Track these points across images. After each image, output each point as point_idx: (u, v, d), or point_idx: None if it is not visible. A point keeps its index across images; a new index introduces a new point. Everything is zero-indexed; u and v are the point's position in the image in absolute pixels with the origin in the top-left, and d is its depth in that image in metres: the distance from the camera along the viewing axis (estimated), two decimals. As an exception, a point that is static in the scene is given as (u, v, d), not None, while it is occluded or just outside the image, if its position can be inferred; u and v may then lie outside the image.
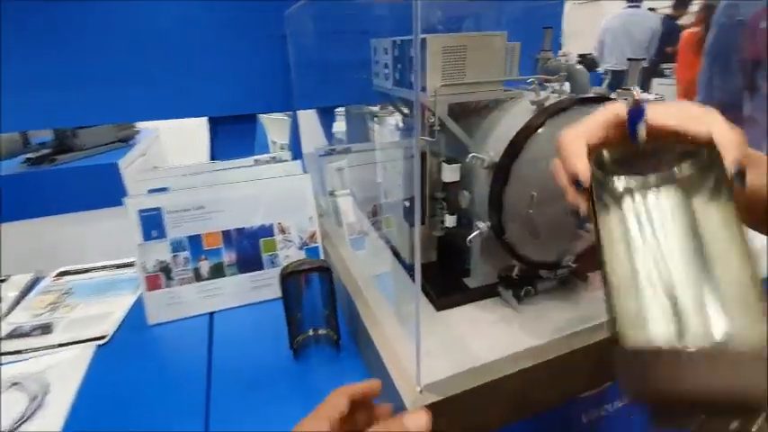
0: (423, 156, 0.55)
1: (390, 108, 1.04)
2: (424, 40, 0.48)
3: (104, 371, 0.61)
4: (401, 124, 0.69)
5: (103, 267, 0.89)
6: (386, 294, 0.63)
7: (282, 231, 0.74)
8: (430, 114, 0.52)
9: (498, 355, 0.49)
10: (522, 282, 0.57)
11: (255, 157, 0.90)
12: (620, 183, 0.30)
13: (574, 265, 0.55)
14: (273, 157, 0.90)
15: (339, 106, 0.99)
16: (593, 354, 0.52)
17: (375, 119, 1.01)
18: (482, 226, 0.51)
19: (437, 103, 0.50)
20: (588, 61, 3.32)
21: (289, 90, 0.92)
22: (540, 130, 0.45)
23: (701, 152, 0.28)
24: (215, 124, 0.97)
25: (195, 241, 0.71)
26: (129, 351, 0.65)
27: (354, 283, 0.65)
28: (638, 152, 0.31)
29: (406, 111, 0.69)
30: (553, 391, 0.53)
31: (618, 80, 3.10)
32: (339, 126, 1.14)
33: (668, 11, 3.22)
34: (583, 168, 0.31)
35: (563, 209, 0.49)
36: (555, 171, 0.34)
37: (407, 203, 0.58)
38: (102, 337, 0.67)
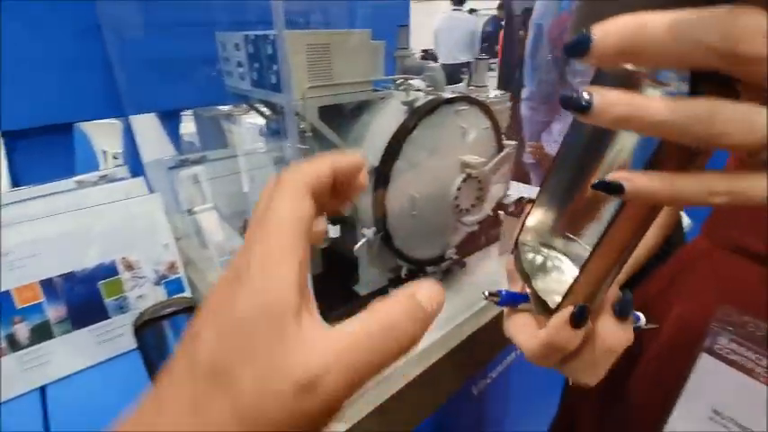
0: (296, 164, 0.50)
1: (245, 107, 0.94)
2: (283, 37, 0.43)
3: None
4: (264, 128, 0.62)
5: None
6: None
7: (129, 267, 0.61)
8: (299, 119, 0.47)
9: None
10: (409, 279, 0.58)
11: (78, 177, 0.72)
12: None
13: (456, 257, 0.57)
14: (104, 176, 0.73)
15: (185, 109, 0.86)
16: (483, 334, 0.55)
17: (228, 121, 0.90)
18: (368, 233, 0.49)
19: (307, 107, 0.45)
20: (430, 56, 3.66)
21: (113, 91, 0.75)
22: (414, 131, 0.44)
23: None
24: (12, 140, 0.74)
25: (2, 300, 0.53)
26: None
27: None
28: None
29: (269, 113, 0.62)
30: (453, 378, 0.55)
31: (448, 72, 3.57)
32: (187, 129, 0.99)
33: (496, 12, 3.72)
34: None
35: (443, 206, 0.50)
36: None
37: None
38: None
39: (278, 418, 0.14)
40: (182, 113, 0.93)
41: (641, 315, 0.32)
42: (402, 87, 0.46)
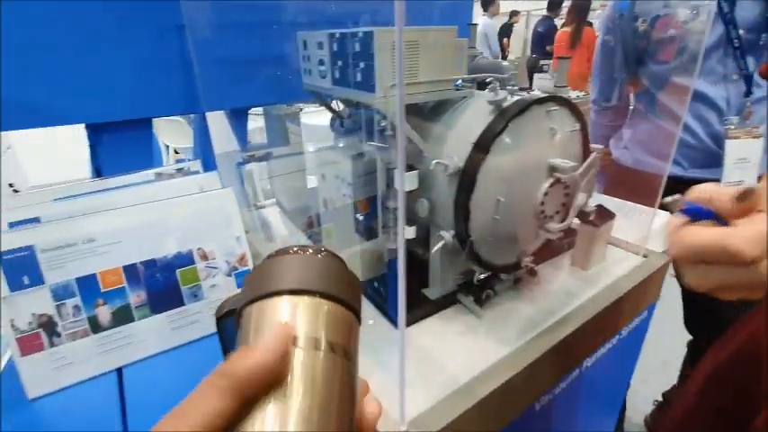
0: (375, 164, 0.49)
1: (298, 106, 0.95)
2: (371, 34, 0.43)
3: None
4: (338, 126, 0.63)
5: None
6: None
7: (204, 258, 0.63)
8: (381, 118, 0.47)
9: (475, 370, 0.46)
10: (480, 286, 0.55)
11: (157, 169, 0.75)
12: None
13: (532, 265, 0.54)
14: (180, 169, 0.76)
15: (256, 106, 0.88)
16: (560, 348, 0.52)
17: (291, 120, 0.92)
18: (446, 235, 0.48)
19: (389, 105, 0.45)
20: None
21: (191, 89, 0.78)
22: (503, 132, 0.43)
23: None
24: (97, 132, 0.79)
25: (88, 283, 0.56)
26: (3, 441, 0.49)
27: (301, 309, 0.58)
28: None
29: (344, 112, 0.62)
30: (527, 392, 0.53)
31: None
32: (252, 127, 1.02)
33: (546, 12, 3.63)
34: None
35: (528, 212, 0.47)
36: None
37: (361, 216, 0.52)
38: (-41, 429, 0.49)
39: None
40: (249, 112, 0.95)
41: None
42: (490, 86, 0.44)
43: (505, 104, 0.44)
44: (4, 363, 0.60)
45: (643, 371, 0.99)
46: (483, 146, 0.42)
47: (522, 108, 0.43)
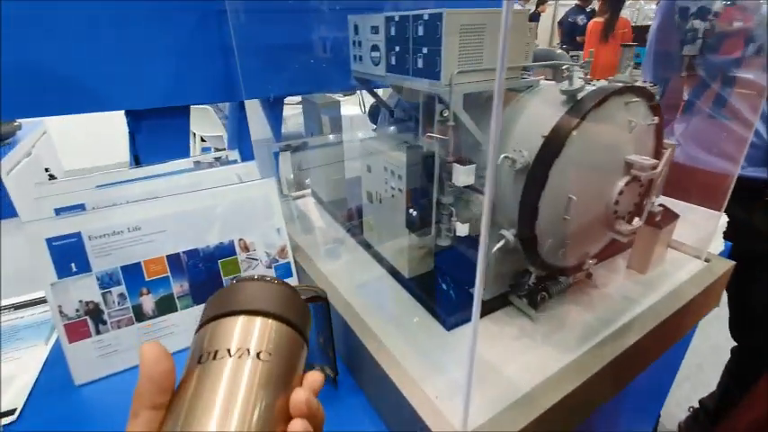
0: (431, 157, 0.47)
1: (329, 96, 0.93)
2: (439, 16, 0.40)
3: (19, 462, 0.45)
4: (387, 116, 0.60)
5: (-6, 311, 0.68)
6: (386, 316, 0.55)
7: (245, 249, 0.61)
8: (443, 107, 0.44)
9: (535, 379, 0.44)
10: (535, 287, 0.53)
11: (195, 158, 0.74)
12: None
13: (592, 267, 0.51)
14: (218, 158, 0.75)
15: (296, 94, 0.86)
16: (625, 357, 0.48)
17: (324, 111, 0.89)
18: (507, 234, 0.45)
19: (453, 94, 0.42)
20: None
21: (230, 76, 0.77)
22: (581, 125, 0.39)
23: None
24: (136, 119, 0.78)
25: (133, 271, 0.56)
26: (51, 426, 0.49)
27: (346, 305, 0.56)
28: None
29: (391, 102, 0.60)
30: (587, 404, 0.50)
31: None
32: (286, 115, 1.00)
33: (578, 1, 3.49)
34: None
35: (600, 211, 0.44)
36: None
37: (412, 210, 0.50)
38: (11, 412, 0.50)
39: None
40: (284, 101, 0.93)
41: None
42: (566, 74, 0.41)
43: (580, 95, 0.41)
44: (49, 348, 0.60)
45: (677, 375, 0.95)
46: (557, 139, 0.39)
47: (602, 99, 0.39)
